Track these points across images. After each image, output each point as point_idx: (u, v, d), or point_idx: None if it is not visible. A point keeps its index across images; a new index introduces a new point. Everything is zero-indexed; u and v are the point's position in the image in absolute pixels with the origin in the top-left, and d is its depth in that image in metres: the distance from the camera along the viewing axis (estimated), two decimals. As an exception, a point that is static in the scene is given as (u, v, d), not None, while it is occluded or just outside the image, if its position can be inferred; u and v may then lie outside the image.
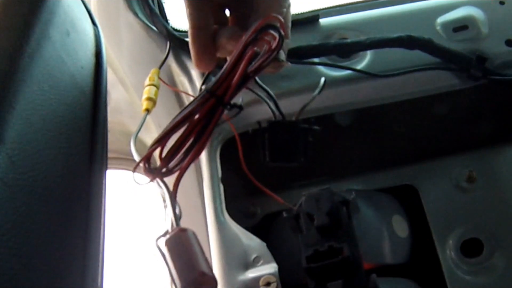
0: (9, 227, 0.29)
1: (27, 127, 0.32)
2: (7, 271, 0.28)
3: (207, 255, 0.58)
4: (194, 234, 0.32)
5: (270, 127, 0.34)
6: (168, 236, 0.32)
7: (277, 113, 0.35)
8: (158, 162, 0.34)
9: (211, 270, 0.31)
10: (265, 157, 0.34)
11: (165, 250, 0.31)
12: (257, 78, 0.36)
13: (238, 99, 0.35)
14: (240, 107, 0.35)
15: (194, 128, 0.33)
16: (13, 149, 0.30)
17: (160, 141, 0.33)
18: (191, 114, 0.33)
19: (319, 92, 0.36)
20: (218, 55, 0.42)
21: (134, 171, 0.34)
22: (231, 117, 0.36)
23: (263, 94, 0.37)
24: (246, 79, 0.33)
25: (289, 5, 0.42)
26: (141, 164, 0.33)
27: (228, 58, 0.42)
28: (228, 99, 0.33)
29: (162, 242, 0.32)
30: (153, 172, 0.33)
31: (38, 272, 0.31)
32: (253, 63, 0.33)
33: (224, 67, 0.34)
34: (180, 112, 0.33)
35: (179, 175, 0.33)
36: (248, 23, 0.41)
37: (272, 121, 0.34)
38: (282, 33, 0.34)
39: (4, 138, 0.29)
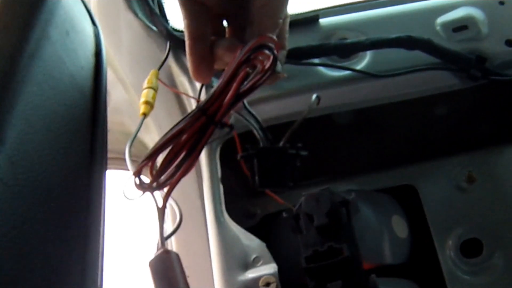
0: (9, 227, 0.29)
1: (27, 127, 0.32)
2: (7, 271, 0.28)
3: (206, 256, 0.58)
4: (177, 256, 0.32)
5: (258, 153, 0.33)
6: (152, 256, 0.32)
7: (264, 138, 0.35)
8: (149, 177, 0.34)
9: None
10: (254, 182, 0.34)
11: (148, 270, 0.31)
12: (245, 102, 0.36)
13: (230, 118, 0.35)
14: (231, 127, 0.35)
15: (185, 145, 0.33)
16: (13, 149, 0.30)
17: (151, 157, 0.33)
18: (181, 131, 0.33)
19: (309, 109, 0.36)
20: (216, 66, 0.41)
21: (125, 185, 0.34)
22: (222, 137, 0.36)
23: (251, 119, 0.36)
24: (238, 98, 0.33)
25: (286, 16, 0.41)
26: (132, 178, 0.34)
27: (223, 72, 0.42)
28: (219, 118, 0.33)
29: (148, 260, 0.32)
30: (144, 187, 0.33)
31: (38, 272, 0.31)
32: (245, 83, 0.33)
33: (217, 85, 0.33)
34: (171, 129, 0.33)
35: (169, 190, 0.33)
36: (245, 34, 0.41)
37: (260, 148, 0.34)
38: (276, 53, 0.34)
39: (4, 138, 0.29)
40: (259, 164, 0.33)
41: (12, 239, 0.29)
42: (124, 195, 0.35)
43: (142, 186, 0.33)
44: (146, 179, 0.35)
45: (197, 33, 0.40)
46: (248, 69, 0.33)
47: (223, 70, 0.41)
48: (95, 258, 0.38)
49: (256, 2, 0.40)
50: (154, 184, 0.33)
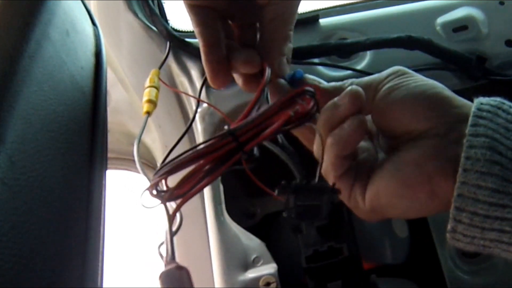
0: (9, 227, 0.29)
1: (27, 127, 0.32)
2: (7, 271, 0.28)
3: (206, 256, 0.58)
4: (188, 273, 0.32)
5: (295, 191, 0.34)
6: (163, 269, 0.32)
7: (300, 174, 0.35)
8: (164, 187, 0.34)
9: None
10: (290, 214, 0.34)
11: (158, 283, 0.31)
12: (280, 137, 0.36)
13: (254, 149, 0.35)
14: (257, 160, 0.35)
15: (207, 164, 0.33)
16: (13, 149, 0.30)
17: (171, 172, 0.33)
18: (207, 152, 0.33)
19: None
20: (232, 72, 0.41)
21: (141, 195, 0.34)
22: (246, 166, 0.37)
23: (284, 154, 0.37)
24: (274, 135, 0.34)
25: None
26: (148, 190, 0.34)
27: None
28: (249, 148, 0.33)
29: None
30: (161, 197, 0.33)
31: (38, 272, 0.31)
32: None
33: (254, 116, 0.33)
34: (197, 147, 0.33)
35: (182, 202, 0.33)
36: (254, 35, 0.41)
37: (297, 185, 0.34)
38: (317, 99, 0.35)
39: (4, 138, 0.29)
40: (296, 200, 0.34)
41: (12, 239, 0.29)
42: (142, 205, 0.35)
43: (159, 196, 0.33)
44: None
45: (211, 40, 0.39)
46: (291, 113, 0.34)
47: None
48: (95, 258, 0.38)
49: (266, 15, 0.39)
50: (170, 195, 0.33)
